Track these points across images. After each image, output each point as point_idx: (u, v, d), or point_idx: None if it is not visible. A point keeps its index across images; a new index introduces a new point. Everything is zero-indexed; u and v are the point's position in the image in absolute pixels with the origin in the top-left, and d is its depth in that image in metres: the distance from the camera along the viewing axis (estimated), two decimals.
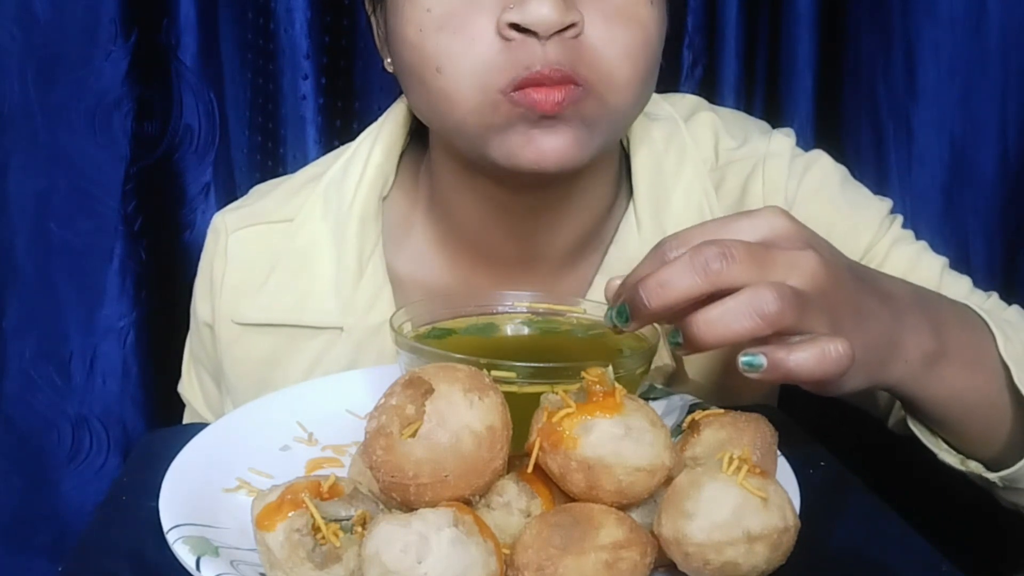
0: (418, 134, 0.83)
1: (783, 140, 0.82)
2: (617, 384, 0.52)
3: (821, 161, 0.82)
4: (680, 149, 0.80)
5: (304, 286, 0.80)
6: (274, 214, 0.83)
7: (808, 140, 1.13)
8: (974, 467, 0.68)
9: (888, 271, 0.79)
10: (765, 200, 0.80)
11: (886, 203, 0.83)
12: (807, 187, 0.80)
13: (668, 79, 1.14)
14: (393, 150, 0.81)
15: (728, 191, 0.81)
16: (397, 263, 0.81)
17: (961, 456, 0.68)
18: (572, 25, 0.62)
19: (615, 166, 0.80)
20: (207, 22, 1.09)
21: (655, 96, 0.77)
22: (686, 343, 0.54)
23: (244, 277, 0.82)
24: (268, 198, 0.86)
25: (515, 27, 0.62)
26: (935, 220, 1.11)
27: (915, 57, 1.10)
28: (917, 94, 1.10)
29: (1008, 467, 0.65)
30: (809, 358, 0.52)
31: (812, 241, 0.57)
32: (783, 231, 0.56)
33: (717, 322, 0.53)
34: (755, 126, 0.85)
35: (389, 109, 0.84)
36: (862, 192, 0.83)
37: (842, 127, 1.15)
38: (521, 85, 0.63)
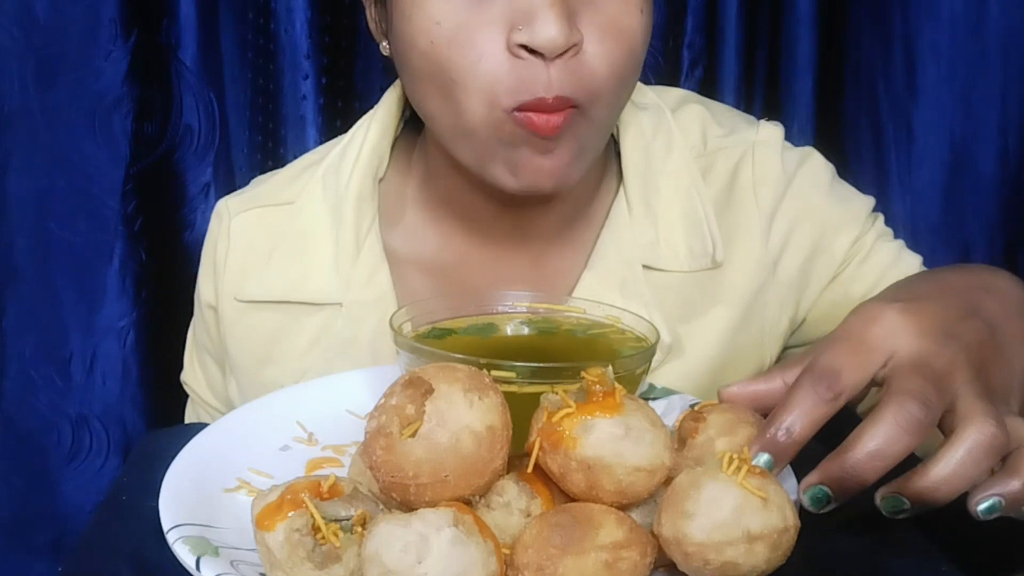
0: (412, 120, 0.86)
1: (772, 129, 0.84)
2: (617, 384, 0.52)
3: (814, 157, 0.84)
4: (667, 136, 0.82)
5: (304, 264, 0.82)
6: (275, 197, 0.86)
7: (808, 140, 1.13)
8: None
9: (872, 264, 0.82)
10: (755, 187, 0.81)
11: (870, 200, 0.85)
12: (801, 181, 0.82)
13: (668, 79, 1.14)
14: (387, 134, 0.84)
15: (716, 177, 0.82)
16: (393, 241, 0.83)
17: None
18: (574, 44, 0.66)
19: (607, 141, 0.83)
20: (207, 22, 1.09)
21: (641, 86, 0.80)
22: (918, 506, 0.52)
23: (246, 257, 0.84)
24: (269, 183, 0.89)
25: (523, 47, 0.65)
26: (935, 220, 1.11)
27: (915, 57, 1.10)
28: (917, 94, 1.10)
29: None
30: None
31: (928, 326, 0.55)
32: (896, 329, 0.54)
33: (956, 479, 0.50)
34: (741, 117, 0.87)
35: (383, 96, 0.85)
36: (849, 188, 0.85)
37: (842, 127, 1.15)
38: (524, 108, 0.66)
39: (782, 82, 1.15)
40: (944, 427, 0.53)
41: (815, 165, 0.84)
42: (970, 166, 1.11)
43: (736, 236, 0.81)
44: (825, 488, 0.52)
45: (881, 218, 0.85)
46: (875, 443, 0.51)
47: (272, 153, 1.14)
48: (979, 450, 0.50)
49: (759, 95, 1.17)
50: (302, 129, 1.12)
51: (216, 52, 1.10)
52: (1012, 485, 0.51)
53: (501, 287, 0.79)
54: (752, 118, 0.87)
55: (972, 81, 1.09)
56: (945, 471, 0.50)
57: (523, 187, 0.70)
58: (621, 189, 0.82)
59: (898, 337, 0.54)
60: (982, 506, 0.51)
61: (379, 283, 0.81)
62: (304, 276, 0.82)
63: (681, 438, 0.58)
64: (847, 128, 1.14)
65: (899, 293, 0.59)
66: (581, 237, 0.82)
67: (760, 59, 1.16)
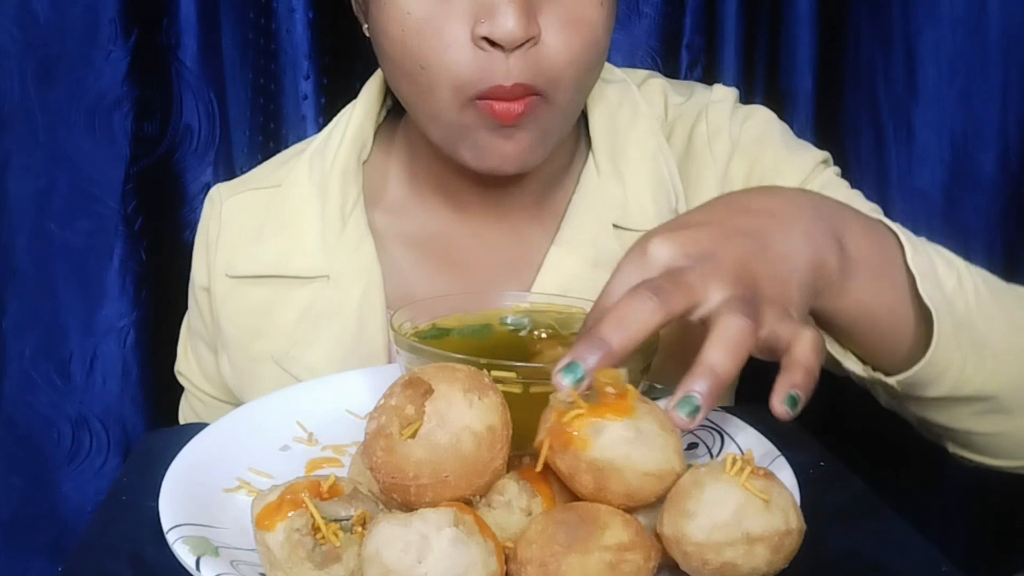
0: (394, 109, 0.90)
1: (724, 90, 0.88)
2: (630, 387, 0.52)
3: (762, 111, 0.88)
4: (633, 106, 0.87)
5: (292, 240, 0.86)
6: (264, 181, 0.91)
7: (808, 140, 1.13)
8: (876, 375, 0.69)
9: None
10: (710, 141, 0.85)
11: (823, 153, 0.87)
12: (749, 133, 0.86)
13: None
14: (370, 117, 0.88)
15: (677, 140, 0.87)
16: (377, 218, 0.87)
17: (866, 367, 0.71)
18: (532, 37, 0.70)
19: (573, 125, 0.86)
20: (207, 22, 1.09)
21: (609, 65, 0.84)
22: (706, 400, 0.54)
23: (237, 235, 0.88)
24: (258, 169, 0.94)
25: (485, 39, 0.69)
26: (935, 220, 1.11)
27: (915, 57, 1.10)
28: (917, 94, 1.10)
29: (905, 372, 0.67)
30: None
31: (687, 251, 0.58)
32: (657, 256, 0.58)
33: (728, 360, 0.53)
34: (699, 86, 0.92)
35: (366, 84, 0.88)
36: (801, 142, 0.88)
37: (842, 127, 1.15)
38: (485, 96, 0.71)
39: (782, 82, 1.15)
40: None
41: (765, 118, 0.87)
42: (970, 166, 1.11)
43: (697, 189, 0.85)
44: (578, 363, 0.53)
45: (834, 170, 0.86)
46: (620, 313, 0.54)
47: (272, 153, 1.13)
48: (736, 332, 0.53)
49: (759, 95, 1.17)
50: (302, 129, 1.12)
51: (216, 52, 1.10)
52: (796, 378, 0.53)
53: (480, 259, 0.84)
54: (708, 86, 0.90)
55: (972, 81, 1.09)
56: (714, 357, 0.53)
57: (487, 169, 0.74)
58: (590, 157, 0.86)
59: (656, 264, 0.58)
60: (785, 404, 0.53)
61: (364, 255, 0.84)
62: (292, 251, 0.85)
63: None
64: (847, 128, 1.14)
65: (673, 223, 0.62)
66: (556, 207, 0.86)
67: (760, 59, 1.16)
